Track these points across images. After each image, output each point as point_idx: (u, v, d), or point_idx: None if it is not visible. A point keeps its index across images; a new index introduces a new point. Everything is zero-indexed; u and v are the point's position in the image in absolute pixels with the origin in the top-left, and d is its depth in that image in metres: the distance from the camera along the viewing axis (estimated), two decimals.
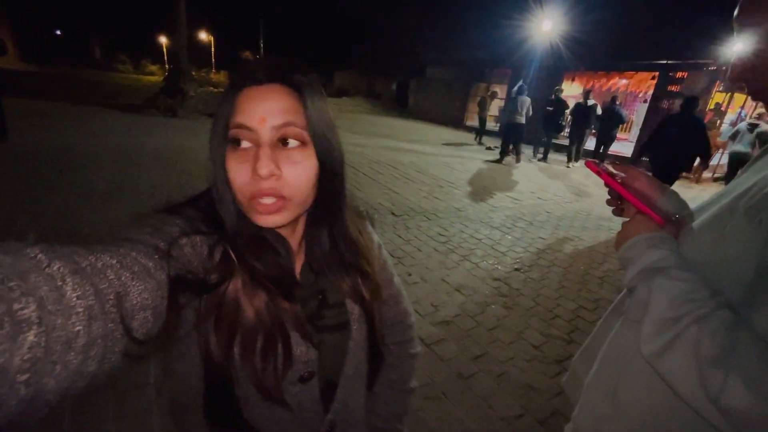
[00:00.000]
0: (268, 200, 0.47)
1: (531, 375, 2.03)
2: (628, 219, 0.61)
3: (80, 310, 0.28)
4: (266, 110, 0.46)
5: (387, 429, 0.75)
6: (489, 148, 9.99)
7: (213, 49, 35.96)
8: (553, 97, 8.46)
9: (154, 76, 25.88)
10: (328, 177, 0.52)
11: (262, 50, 27.37)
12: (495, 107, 14.55)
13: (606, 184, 0.60)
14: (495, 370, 2.04)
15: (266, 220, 0.48)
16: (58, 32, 37.81)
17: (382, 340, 0.66)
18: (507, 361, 2.12)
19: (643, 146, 5.11)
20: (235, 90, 0.47)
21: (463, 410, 1.77)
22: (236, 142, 0.47)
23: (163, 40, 31.81)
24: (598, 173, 0.61)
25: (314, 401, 0.56)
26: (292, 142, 0.47)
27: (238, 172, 0.47)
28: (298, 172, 0.48)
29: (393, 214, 4.29)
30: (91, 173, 4.52)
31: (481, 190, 5.71)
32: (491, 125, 13.09)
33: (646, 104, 10.23)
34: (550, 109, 8.34)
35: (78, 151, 5.37)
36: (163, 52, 31.80)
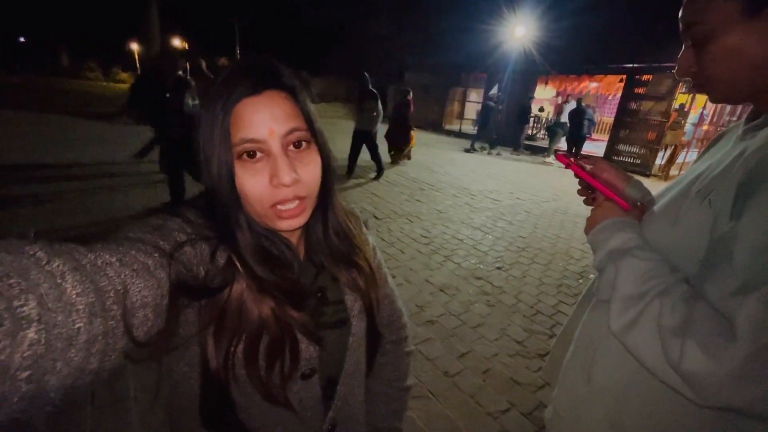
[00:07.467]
0: (290, 205, 0.48)
1: (515, 370, 2.08)
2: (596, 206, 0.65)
3: (81, 307, 0.28)
4: (272, 120, 0.46)
5: (386, 427, 0.75)
6: (468, 150, 10.18)
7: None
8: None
9: (125, 84, 25.06)
10: (327, 171, 0.53)
11: (238, 57, 27.01)
12: (472, 110, 14.83)
13: (576, 175, 0.64)
14: (480, 367, 2.08)
15: (290, 224, 0.49)
16: (22, 39, 36.26)
17: (380, 336, 0.67)
18: (492, 358, 2.16)
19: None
20: (231, 104, 0.45)
21: (451, 408, 1.79)
22: (245, 156, 0.46)
23: (134, 46, 30.90)
24: (568, 165, 0.65)
25: (315, 399, 0.56)
26: (302, 144, 0.49)
27: (254, 185, 0.47)
28: (311, 171, 0.50)
29: (375, 217, 4.31)
30: (61, 185, 4.35)
31: (461, 191, 5.80)
32: (468, 128, 13.35)
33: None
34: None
35: (47, 162, 5.16)
36: (134, 59, 30.89)
